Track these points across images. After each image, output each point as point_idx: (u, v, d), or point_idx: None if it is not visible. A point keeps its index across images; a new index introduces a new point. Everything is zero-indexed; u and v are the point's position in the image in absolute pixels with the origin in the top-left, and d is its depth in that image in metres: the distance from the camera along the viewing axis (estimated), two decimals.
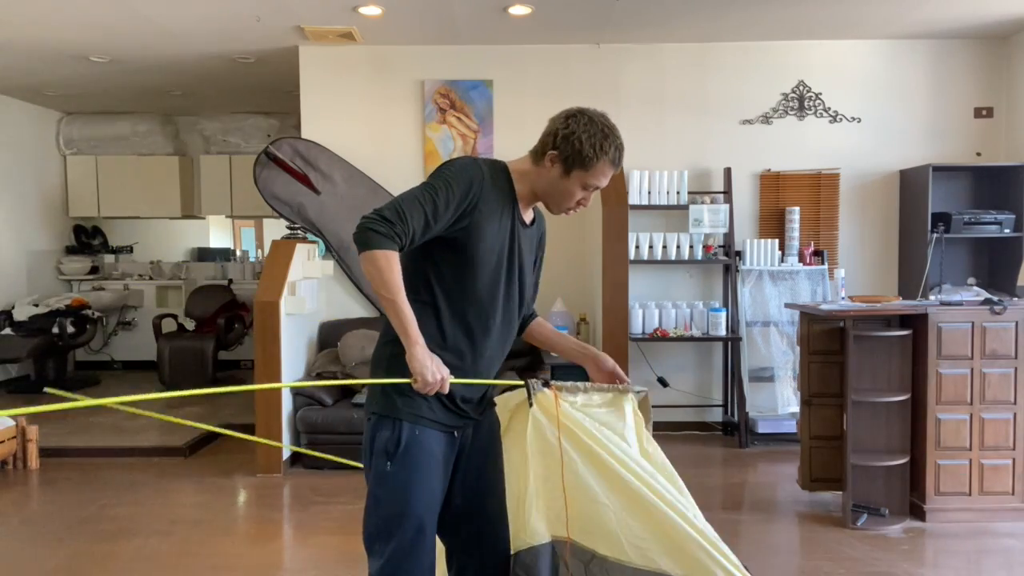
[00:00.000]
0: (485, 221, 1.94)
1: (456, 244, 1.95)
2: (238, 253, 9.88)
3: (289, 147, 5.75)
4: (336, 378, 5.32)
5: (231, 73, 6.77)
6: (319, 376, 5.30)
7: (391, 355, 2.01)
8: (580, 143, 1.94)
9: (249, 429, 5.28)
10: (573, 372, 5.02)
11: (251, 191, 6.58)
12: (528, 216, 2.11)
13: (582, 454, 2.08)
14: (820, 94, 5.91)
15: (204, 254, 9.69)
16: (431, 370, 1.89)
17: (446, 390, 1.93)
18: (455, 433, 2.06)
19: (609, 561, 2.08)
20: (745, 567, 2.00)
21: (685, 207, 5.64)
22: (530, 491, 2.15)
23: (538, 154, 2.02)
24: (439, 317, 2.00)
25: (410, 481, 1.96)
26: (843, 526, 3.95)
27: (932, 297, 4.23)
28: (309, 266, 5.42)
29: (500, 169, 2.03)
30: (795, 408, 5.46)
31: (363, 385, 2.13)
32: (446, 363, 1.95)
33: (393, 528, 1.95)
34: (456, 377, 1.98)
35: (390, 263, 1.84)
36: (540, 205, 2.16)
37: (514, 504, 2.18)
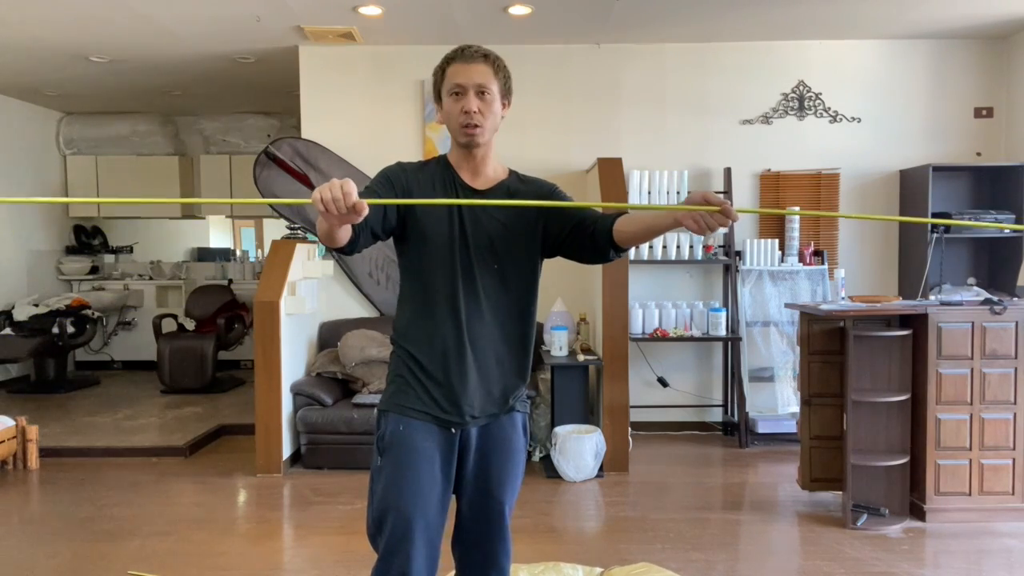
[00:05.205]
0: (419, 199, 1.98)
1: (406, 229, 1.99)
2: (238, 253, 9.88)
3: (289, 147, 5.75)
4: (336, 379, 5.32)
5: (231, 73, 6.77)
6: (319, 376, 5.30)
7: (390, 354, 2.10)
8: (435, 71, 2.05)
9: (249, 429, 5.30)
10: (573, 372, 5.00)
11: (251, 191, 6.59)
12: (481, 181, 2.04)
13: None
14: (820, 94, 5.91)
15: (204, 254, 9.69)
16: (325, 187, 1.57)
17: (361, 209, 1.58)
18: (452, 429, 2.00)
19: None
20: None
21: None
22: None
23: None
24: (413, 314, 2.02)
25: (395, 476, 1.96)
26: (843, 526, 3.95)
27: (932, 297, 4.23)
28: (309, 266, 5.43)
29: (436, 158, 2.09)
30: (795, 408, 5.47)
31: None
32: (428, 363, 1.98)
33: (384, 524, 1.96)
34: (446, 376, 1.96)
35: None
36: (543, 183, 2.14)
37: None
